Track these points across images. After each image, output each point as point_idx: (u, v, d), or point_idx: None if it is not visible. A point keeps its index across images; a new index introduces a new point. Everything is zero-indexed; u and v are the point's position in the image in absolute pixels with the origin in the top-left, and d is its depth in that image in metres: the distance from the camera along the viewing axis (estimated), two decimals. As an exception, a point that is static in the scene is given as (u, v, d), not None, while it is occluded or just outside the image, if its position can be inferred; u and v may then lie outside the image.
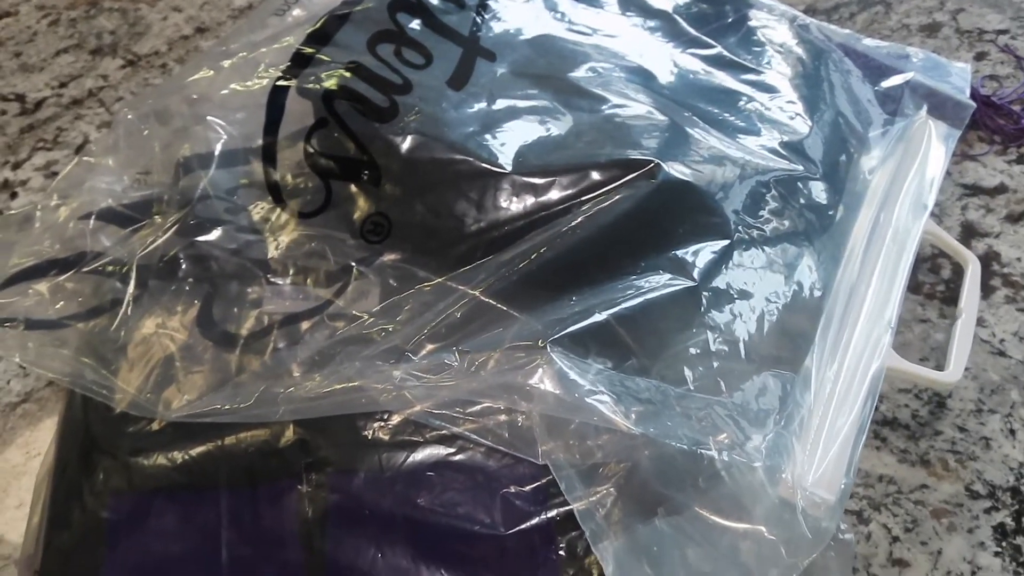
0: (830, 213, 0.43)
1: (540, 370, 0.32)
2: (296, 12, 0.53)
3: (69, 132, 0.65)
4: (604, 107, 0.44)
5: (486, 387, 0.33)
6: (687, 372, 0.34)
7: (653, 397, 0.32)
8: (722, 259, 0.37)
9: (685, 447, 0.33)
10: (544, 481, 0.36)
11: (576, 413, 0.31)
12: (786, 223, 0.40)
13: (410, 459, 0.37)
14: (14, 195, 0.62)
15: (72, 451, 0.42)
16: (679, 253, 0.37)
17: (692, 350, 0.35)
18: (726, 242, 0.37)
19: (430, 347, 0.37)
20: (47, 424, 0.51)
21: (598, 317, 0.34)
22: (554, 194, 0.39)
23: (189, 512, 0.38)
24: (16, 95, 0.68)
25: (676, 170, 0.39)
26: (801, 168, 0.43)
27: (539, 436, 0.33)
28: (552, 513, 0.35)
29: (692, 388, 0.34)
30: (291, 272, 0.43)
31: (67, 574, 0.38)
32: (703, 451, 0.33)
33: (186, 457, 0.39)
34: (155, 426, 0.40)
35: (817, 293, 0.39)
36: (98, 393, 0.40)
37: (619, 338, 0.34)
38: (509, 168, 0.40)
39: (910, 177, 0.48)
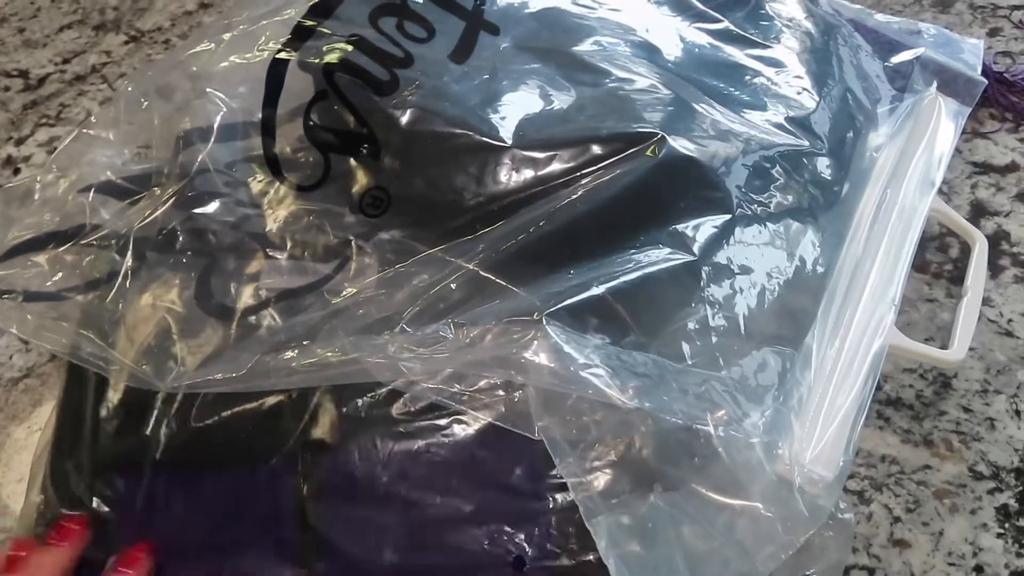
0: (835, 189, 0.42)
1: (535, 343, 0.32)
2: (299, -15, 0.53)
3: (72, 108, 0.65)
4: (608, 81, 0.43)
5: (481, 360, 0.33)
6: (685, 347, 0.34)
7: (650, 371, 0.32)
8: (723, 234, 0.36)
9: (681, 423, 0.33)
10: (540, 457, 0.36)
11: (571, 387, 0.31)
12: (790, 199, 0.40)
13: (404, 437, 0.37)
14: (17, 171, 0.62)
15: (71, 428, 0.42)
16: (679, 227, 0.36)
17: (691, 325, 0.34)
18: (727, 217, 0.37)
19: (426, 320, 0.37)
20: (49, 399, 0.51)
21: (595, 290, 0.33)
22: (555, 167, 0.39)
23: (187, 491, 0.38)
24: (19, 71, 0.68)
25: (680, 144, 0.38)
26: (807, 143, 0.42)
27: (535, 412, 0.33)
28: (548, 489, 0.35)
29: (690, 363, 0.33)
30: (289, 246, 0.42)
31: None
32: (700, 427, 0.33)
33: (184, 437, 0.39)
34: (155, 404, 0.40)
35: (820, 270, 0.39)
36: (96, 365, 0.40)
37: (617, 312, 0.33)
38: (509, 142, 0.40)
39: (918, 154, 0.47)
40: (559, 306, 0.33)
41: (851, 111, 0.46)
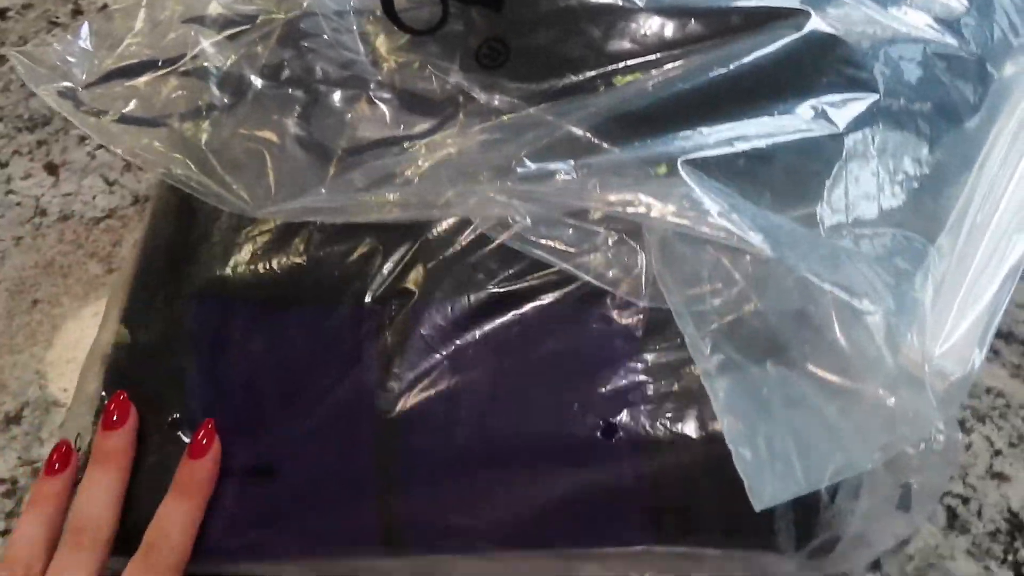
0: (979, 96, 0.39)
1: (670, 189, 0.30)
2: None
3: (170, -39, 0.64)
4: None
5: (604, 202, 0.31)
6: (820, 217, 0.31)
7: (783, 232, 0.30)
8: (868, 114, 0.34)
9: (798, 303, 0.31)
10: (642, 325, 0.34)
11: (704, 230, 0.29)
12: (935, 95, 0.37)
13: (498, 296, 0.36)
14: (104, 7, 0.61)
15: (157, 256, 0.41)
16: (823, 100, 0.34)
17: (827, 197, 0.32)
18: (874, 96, 0.34)
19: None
20: (128, 240, 0.51)
21: (736, 147, 0.31)
22: (689, 33, 0.36)
23: (270, 326, 0.37)
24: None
25: (826, 22, 0.36)
26: (955, 44, 0.39)
27: (655, 267, 0.31)
28: (645, 358, 0.33)
29: (824, 234, 0.31)
30: (396, 93, 0.41)
31: (146, 372, 0.38)
32: (821, 308, 0.31)
33: (271, 270, 0.38)
34: (242, 237, 0.39)
35: (960, 172, 0.36)
36: (187, 185, 0.39)
37: (753, 173, 0.31)
38: (641, 4, 0.37)
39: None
40: (696, 155, 0.31)
41: (1001, 25, 0.43)
